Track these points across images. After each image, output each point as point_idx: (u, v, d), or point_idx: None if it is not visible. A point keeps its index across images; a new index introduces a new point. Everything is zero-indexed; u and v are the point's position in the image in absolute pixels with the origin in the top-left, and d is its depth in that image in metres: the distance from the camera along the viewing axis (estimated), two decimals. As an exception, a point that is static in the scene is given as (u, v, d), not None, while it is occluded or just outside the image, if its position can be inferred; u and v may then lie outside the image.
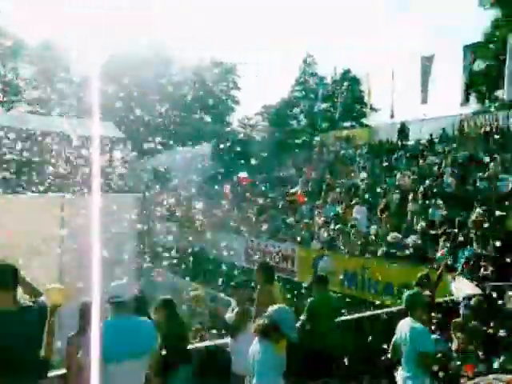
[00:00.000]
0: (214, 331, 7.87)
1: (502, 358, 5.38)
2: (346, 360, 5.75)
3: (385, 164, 17.82)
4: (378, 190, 15.45)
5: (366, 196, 15.27)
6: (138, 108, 37.91)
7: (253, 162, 17.50)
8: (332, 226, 13.98)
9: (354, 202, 14.76)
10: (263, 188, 20.62)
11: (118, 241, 7.36)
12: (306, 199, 17.48)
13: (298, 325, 5.72)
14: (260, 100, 53.48)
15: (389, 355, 4.85)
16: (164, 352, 4.48)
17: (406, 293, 4.95)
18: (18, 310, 3.50)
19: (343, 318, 6.81)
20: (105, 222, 6.72)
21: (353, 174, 18.33)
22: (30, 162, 19.86)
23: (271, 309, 4.00)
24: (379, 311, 7.46)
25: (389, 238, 11.82)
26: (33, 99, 41.75)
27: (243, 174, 18.40)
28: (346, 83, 39.05)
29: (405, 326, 4.67)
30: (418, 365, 4.48)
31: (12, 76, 40.95)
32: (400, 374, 4.66)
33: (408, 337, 4.55)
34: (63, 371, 4.61)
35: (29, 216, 7.28)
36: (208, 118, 37.23)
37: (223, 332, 6.15)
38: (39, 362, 3.63)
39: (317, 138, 28.37)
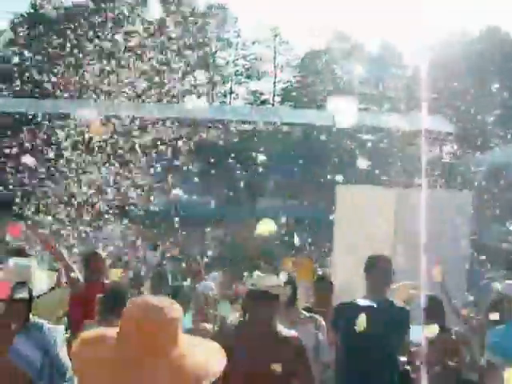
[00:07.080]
0: None
1: None
2: None
3: None
4: None
5: None
6: (471, 101, 35.36)
7: None
8: None
9: None
10: None
11: (449, 240, 6.69)
12: None
13: None
14: None
15: None
16: None
17: None
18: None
19: None
20: (436, 218, 5.95)
21: None
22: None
23: None
24: None
25: None
26: (364, 97, 43.37)
27: None
28: None
29: None
30: None
31: (348, 77, 43.43)
32: None
33: None
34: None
35: (364, 207, 7.11)
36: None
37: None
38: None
39: None
